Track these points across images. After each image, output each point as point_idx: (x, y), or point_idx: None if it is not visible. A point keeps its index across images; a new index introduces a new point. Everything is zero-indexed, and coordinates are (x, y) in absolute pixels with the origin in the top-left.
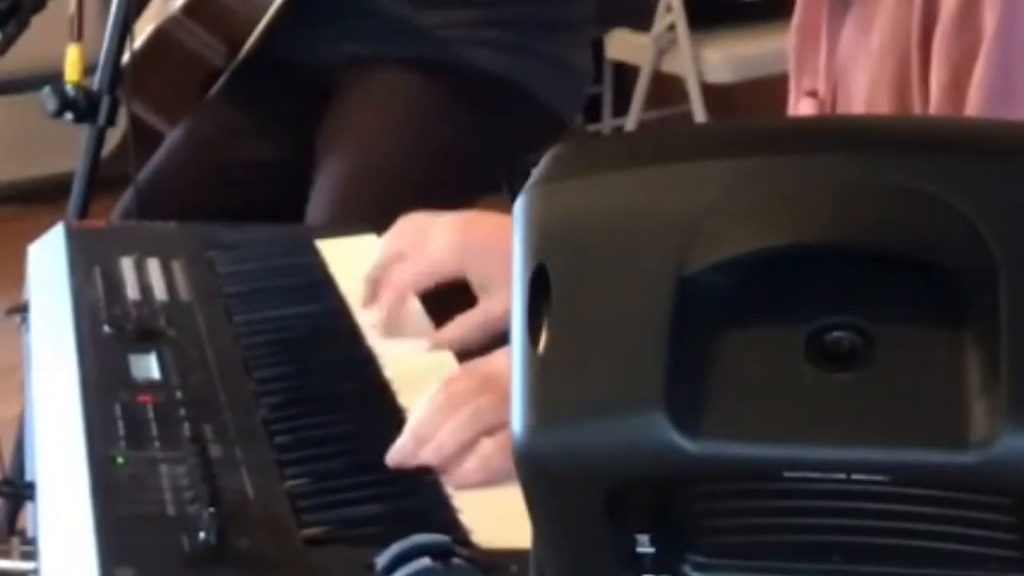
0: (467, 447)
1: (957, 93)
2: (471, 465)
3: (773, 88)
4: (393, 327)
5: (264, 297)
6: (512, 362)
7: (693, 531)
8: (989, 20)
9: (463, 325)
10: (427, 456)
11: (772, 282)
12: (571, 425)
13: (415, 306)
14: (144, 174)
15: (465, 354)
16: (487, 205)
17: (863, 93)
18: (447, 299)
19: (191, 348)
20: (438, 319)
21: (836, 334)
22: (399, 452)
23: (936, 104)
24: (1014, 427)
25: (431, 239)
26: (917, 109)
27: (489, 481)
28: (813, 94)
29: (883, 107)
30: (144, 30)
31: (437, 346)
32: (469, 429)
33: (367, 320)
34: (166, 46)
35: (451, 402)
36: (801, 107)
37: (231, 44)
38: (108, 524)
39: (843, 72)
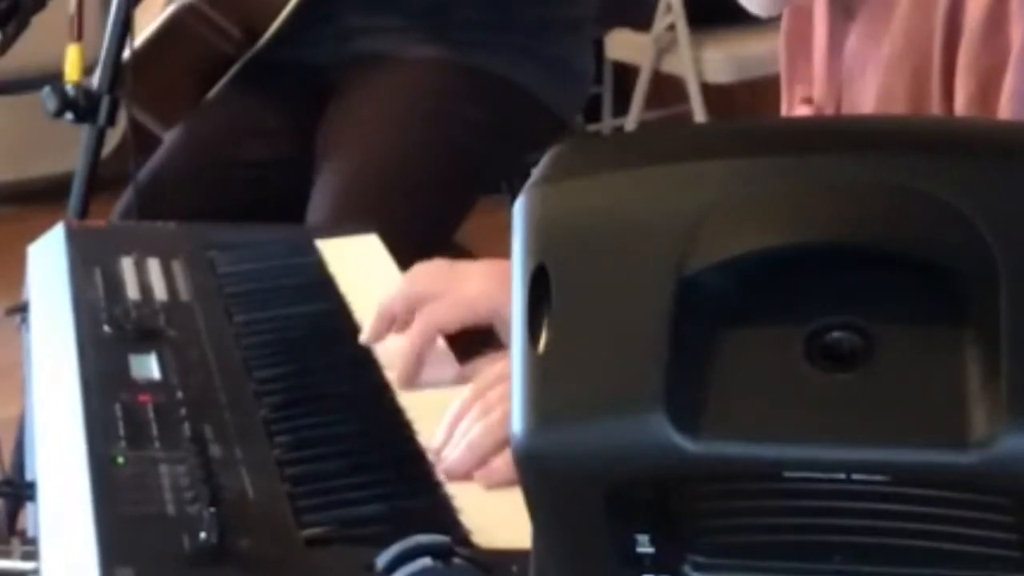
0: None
1: (984, 104)
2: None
3: (773, 88)
4: (418, 368)
5: (264, 297)
6: (512, 362)
7: (693, 531)
8: (1016, 31)
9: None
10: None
11: (772, 282)
12: (571, 425)
13: (441, 347)
14: (144, 174)
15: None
16: (487, 205)
17: (873, 102)
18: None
19: (191, 348)
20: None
21: (836, 334)
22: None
23: (962, 114)
24: (1014, 427)
25: (464, 282)
26: None
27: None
28: (808, 101)
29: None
30: (142, 28)
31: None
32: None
33: (385, 362)
34: (176, 36)
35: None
36: (797, 114)
37: (248, 32)
38: (108, 524)
39: (849, 80)
